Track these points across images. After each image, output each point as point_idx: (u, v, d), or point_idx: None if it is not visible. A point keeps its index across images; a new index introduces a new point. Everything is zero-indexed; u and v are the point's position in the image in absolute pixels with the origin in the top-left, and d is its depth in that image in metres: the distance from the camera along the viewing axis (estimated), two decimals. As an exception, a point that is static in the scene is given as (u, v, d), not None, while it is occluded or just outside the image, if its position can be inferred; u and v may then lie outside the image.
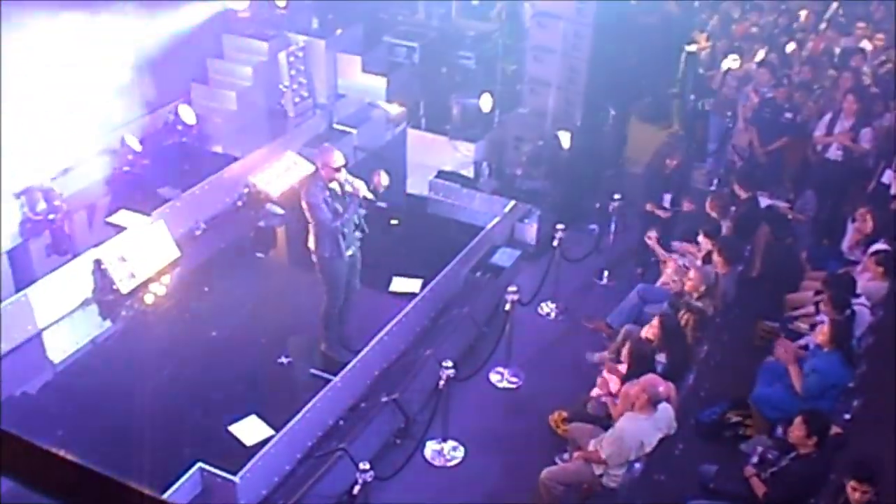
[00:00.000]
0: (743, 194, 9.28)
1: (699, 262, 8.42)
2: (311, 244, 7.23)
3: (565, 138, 10.07)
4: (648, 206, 9.62)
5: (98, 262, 7.96)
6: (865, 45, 12.16)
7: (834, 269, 8.81)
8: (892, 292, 8.37)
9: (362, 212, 7.30)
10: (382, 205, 8.45)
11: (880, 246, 8.60)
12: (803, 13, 13.18)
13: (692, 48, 12.23)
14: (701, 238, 8.62)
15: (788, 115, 10.57)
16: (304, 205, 7.09)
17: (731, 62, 11.18)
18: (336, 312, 7.59)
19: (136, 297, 8.19)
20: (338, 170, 7.01)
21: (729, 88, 11.49)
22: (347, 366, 7.29)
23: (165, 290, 8.35)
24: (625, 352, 7.13)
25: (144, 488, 1.42)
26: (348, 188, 7.10)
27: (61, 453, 1.50)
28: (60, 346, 7.67)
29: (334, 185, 7.08)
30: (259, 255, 9.22)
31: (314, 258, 7.28)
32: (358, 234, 7.35)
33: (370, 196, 7.39)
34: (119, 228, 8.51)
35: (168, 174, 9.65)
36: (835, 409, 7.11)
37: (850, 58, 11.74)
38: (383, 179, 8.49)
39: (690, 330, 7.67)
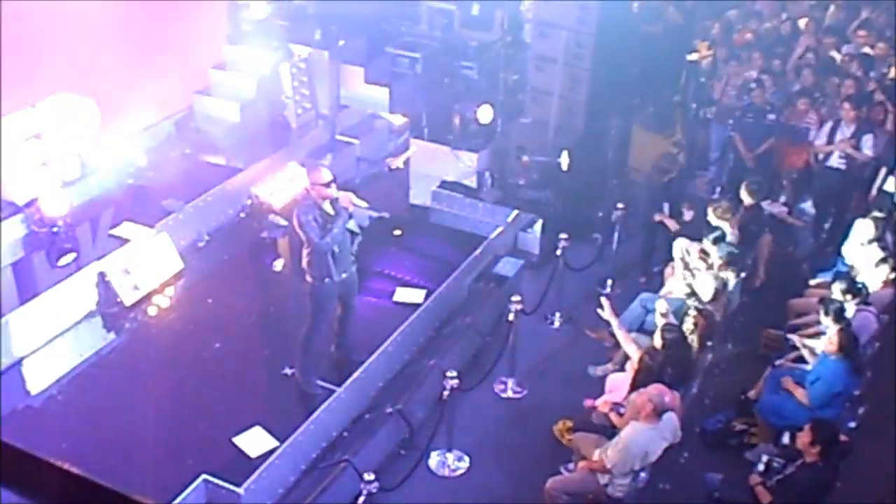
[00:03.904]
0: (749, 200, 9.28)
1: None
2: (304, 264, 7.10)
3: (566, 156, 10.02)
4: (657, 217, 9.61)
5: (102, 275, 7.96)
6: (868, 51, 12.15)
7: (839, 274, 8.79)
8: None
9: (353, 226, 7.17)
10: (385, 215, 8.43)
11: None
12: (803, 21, 13.17)
13: (693, 57, 12.24)
14: (708, 246, 8.61)
15: (771, 116, 10.60)
16: (295, 224, 7.01)
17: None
18: (317, 340, 7.40)
19: (140, 310, 8.17)
20: (327, 185, 6.89)
21: (728, 97, 11.51)
22: (351, 376, 7.28)
23: (169, 302, 8.34)
24: (632, 362, 7.11)
25: (149, 500, 1.42)
26: (338, 204, 6.98)
27: (65, 466, 1.50)
28: (64, 358, 7.66)
29: (325, 204, 6.97)
30: (275, 266, 9.13)
31: (307, 278, 7.12)
32: (352, 256, 7.22)
33: (362, 204, 7.33)
34: (122, 240, 8.51)
35: (171, 186, 9.66)
36: (840, 417, 7.10)
37: (853, 65, 11.73)
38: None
39: (698, 334, 7.65)
